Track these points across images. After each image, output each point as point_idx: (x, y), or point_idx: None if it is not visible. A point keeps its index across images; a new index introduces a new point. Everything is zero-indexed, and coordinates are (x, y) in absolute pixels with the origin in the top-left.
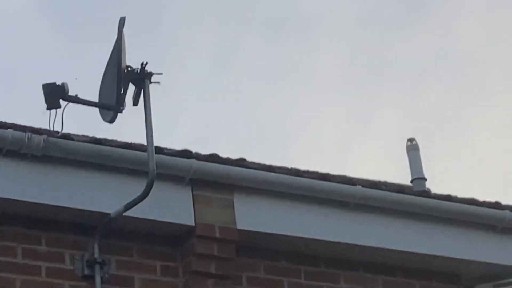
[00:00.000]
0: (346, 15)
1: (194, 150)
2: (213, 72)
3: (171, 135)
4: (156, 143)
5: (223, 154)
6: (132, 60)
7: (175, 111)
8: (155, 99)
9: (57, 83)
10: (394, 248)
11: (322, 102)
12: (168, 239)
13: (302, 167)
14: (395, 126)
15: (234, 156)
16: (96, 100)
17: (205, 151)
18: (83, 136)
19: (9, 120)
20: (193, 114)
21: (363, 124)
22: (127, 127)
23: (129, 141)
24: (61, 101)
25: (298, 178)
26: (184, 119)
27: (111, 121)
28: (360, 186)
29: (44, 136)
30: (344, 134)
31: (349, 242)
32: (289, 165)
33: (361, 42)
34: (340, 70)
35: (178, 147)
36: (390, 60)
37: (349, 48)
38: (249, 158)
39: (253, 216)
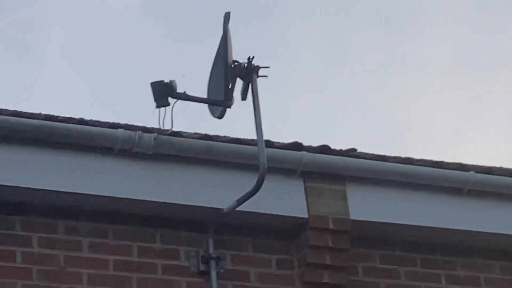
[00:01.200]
0: (457, 2)
1: (305, 142)
2: (324, 64)
3: (281, 129)
4: (266, 136)
5: (335, 146)
6: (238, 54)
7: (285, 105)
8: (265, 93)
9: (165, 81)
10: (511, 233)
11: (434, 91)
12: (281, 232)
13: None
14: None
15: (346, 147)
16: (205, 96)
17: (316, 143)
18: (193, 133)
19: (119, 120)
20: (304, 107)
21: (478, 111)
22: (237, 122)
23: (239, 136)
24: (169, 98)
25: (411, 166)
26: (294, 112)
27: (220, 116)
28: (473, 172)
29: (155, 134)
30: (458, 122)
31: (464, 229)
32: (402, 155)
33: (473, 28)
34: (452, 58)
35: (289, 140)
36: (503, 44)
37: (460, 35)
38: (361, 149)
39: (366, 206)
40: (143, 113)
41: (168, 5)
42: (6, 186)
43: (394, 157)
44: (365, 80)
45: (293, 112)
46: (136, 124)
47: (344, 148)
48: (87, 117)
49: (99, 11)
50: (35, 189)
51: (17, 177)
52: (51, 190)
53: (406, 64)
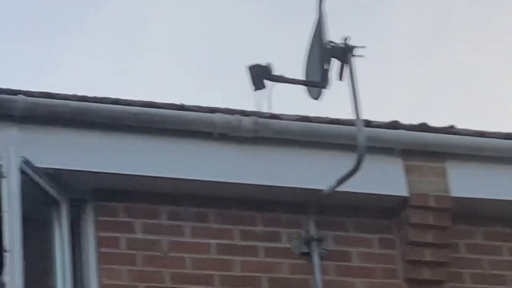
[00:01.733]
0: None
1: (403, 121)
2: (422, 41)
3: (379, 108)
4: (364, 116)
5: (434, 124)
6: (334, 35)
7: (383, 83)
8: (362, 72)
9: (262, 64)
10: None
11: None
12: (382, 211)
13: None
14: None
15: (445, 124)
16: (301, 78)
17: (415, 121)
18: (291, 115)
19: (217, 105)
20: (402, 86)
21: None
22: (334, 103)
23: (338, 117)
24: (267, 81)
25: (510, 141)
26: (392, 90)
27: (317, 97)
28: None
29: (253, 118)
30: None
31: None
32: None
33: None
34: None
35: (387, 119)
36: None
37: None
38: (462, 125)
39: (467, 182)
40: (241, 97)
41: None
42: (109, 173)
43: (493, 133)
44: (465, 57)
45: (391, 90)
46: (234, 108)
47: (443, 125)
48: (186, 102)
49: None
50: (137, 176)
51: (119, 164)
52: (152, 176)
53: (508, 37)
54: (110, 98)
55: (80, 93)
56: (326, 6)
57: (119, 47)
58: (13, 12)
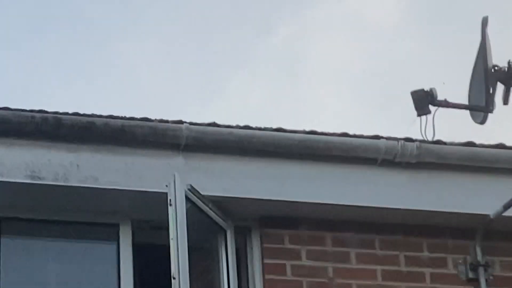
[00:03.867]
0: None
1: None
2: None
3: None
4: None
5: None
6: (498, 58)
7: None
8: None
9: (426, 89)
10: None
11: None
12: None
13: None
14: None
15: None
16: (466, 102)
17: None
18: (455, 140)
19: (381, 132)
20: None
21: None
22: (499, 127)
23: (502, 141)
24: (430, 106)
25: None
26: None
27: (482, 122)
28: None
29: (417, 143)
30: None
31: None
32: None
33: None
34: None
35: None
36: None
37: None
38: None
39: None
40: (404, 123)
41: (426, 13)
42: (274, 200)
43: None
44: None
45: None
46: (397, 135)
47: None
48: (349, 130)
49: (360, 25)
50: (302, 203)
51: (284, 191)
52: (317, 203)
53: None
54: (274, 127)
55: (243, 122)
56: (490, 30)
57: (282, 76)
58: (180, 44)
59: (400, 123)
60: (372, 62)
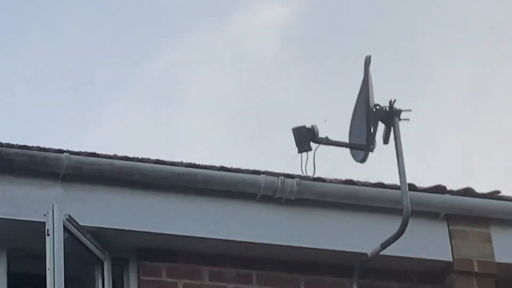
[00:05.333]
0: None
1: (448, 186)
2: (468, 104)
3: (423, 172)
4: (409, 180)
5: (479, 188)
6: (380, 98)
7: (427, 147)
8: (406, 136)
9: (307, 126)
10: None
11: None
12: (426, 276)
13: None
14: None
15: (490, 189)
16: (346, 140)
17: (460, 186)
18: (335, 178)
19: (261, 167)
20: (447, 149)
21: None
22: (379, 166)
23: (382, 180)
24: (311, 143)
25: None
26: (437, 154)
27: (362, 160)
28: None
29: (297, 180)
30: None
31: None
32: None
33: None
34: None
35: (432, 183)
36: None
37: None
38: (507, 191)
39: None
40: (285, 158)
41: (306, 49)
42: (152, 233)
43: None
44: (511, 120)
45: (435, 154)
46: (278, 170)
47: (488, 190)
48: (229, 164)
49: (240, 56)
50: (180, 236)
51: (162, 224)
52: (195, 237)
53: None
54: (153, 159)
55: (122, 151)
56: (372, 68)
57: (161, 105)
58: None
59: (281, 158)
60: (252, 95)
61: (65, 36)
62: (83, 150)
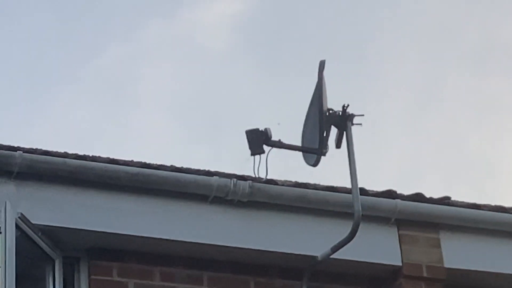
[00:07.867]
0: None
1: (398, 190)
2: (417, 109)
3: (374, 176)
4: (360, 184)
5: (429, 192)
6: (333, 102)
7: (378, 152)
8: (358, 140)
9: (260, 129)
10: None
11: None
12: (375, 280)
13: (509, 203)
14: None
15: (439, 194)
16: (299, 144)
17: (410, 191)
18: (288, 180)
19: (213, 168)
20: (397, 154)
21: None
22: (331, 170)
23: (333, 184)
24: (264, 146)
25: (504, 214)
26: (388, 159)
27: (315, 164)
28: None
29: (250, 182)
30: None
31: None
32: (497, 201)
33: None
34: None
35: (383, 187)
36: None
37: None
38: (456, 195)
39: (460, 254)
40: (237, 160)
41: (259, 46)
42: (104, 232)
43: (487, 205)
44: (459, 123)
45: (386, 159)
46: (230, 171)
47: (437, 195)
48: (182, 164)
49: (192, 51)
50: (131, 236)
51: (114, 223)
52: (147, 237)
53: (501, 107)
54: (106, 158)
55: (73, 147)
56: (326, 73)
57: (112, 99)
58: (5, 65)
59: (235, 161)
60: (204, 91)
61: (13, 31)
62: (33, 146)
